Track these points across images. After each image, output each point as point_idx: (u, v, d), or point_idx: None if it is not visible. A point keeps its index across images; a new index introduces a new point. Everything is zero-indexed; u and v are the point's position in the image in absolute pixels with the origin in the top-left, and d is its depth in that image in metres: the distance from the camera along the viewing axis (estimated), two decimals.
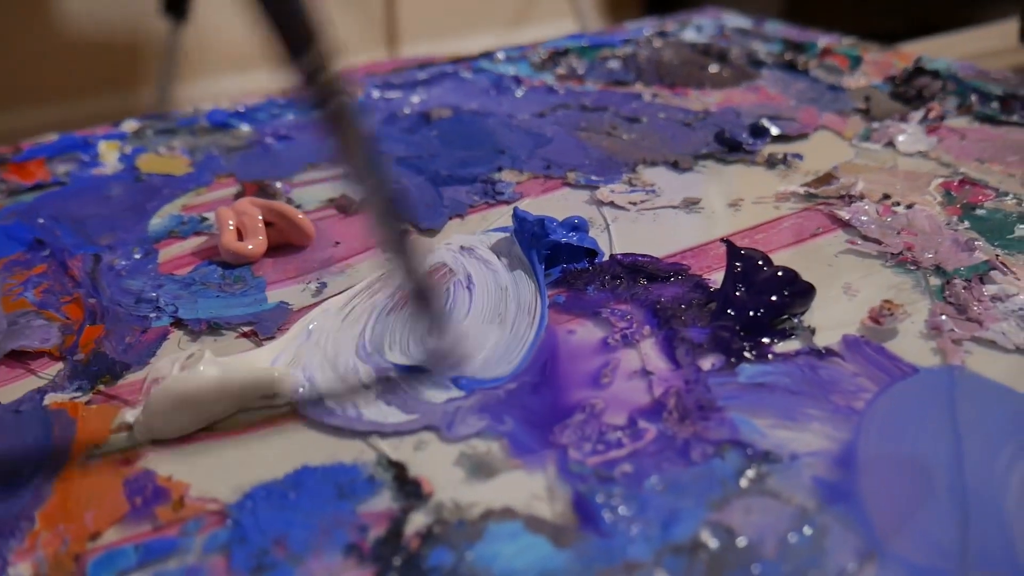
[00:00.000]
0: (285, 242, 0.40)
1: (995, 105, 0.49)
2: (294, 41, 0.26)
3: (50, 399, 0.31)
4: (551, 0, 1.86)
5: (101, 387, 0.32)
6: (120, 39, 1.59)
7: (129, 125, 0.52)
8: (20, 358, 0.34)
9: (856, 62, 0.57)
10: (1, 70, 1.51)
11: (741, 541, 0.24)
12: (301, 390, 0.31)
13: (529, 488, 0.26)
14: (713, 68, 0.60)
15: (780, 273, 0.34)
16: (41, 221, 0.44)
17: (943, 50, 0.65)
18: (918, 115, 0.49)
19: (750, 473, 0.26)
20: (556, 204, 0.44)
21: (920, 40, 0.70)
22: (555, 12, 1.87)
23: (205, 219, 0.43)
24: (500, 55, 0.62)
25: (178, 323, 0.36)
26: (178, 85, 1.50)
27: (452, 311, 0.34)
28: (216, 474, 0.28)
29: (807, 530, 0.24)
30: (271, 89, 0.57)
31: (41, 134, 0.52)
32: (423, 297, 0.30)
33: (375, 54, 1.75)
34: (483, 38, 1.87)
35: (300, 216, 0.40)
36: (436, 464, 0.27)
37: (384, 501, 0.26)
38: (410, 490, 0.26)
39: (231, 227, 0.40)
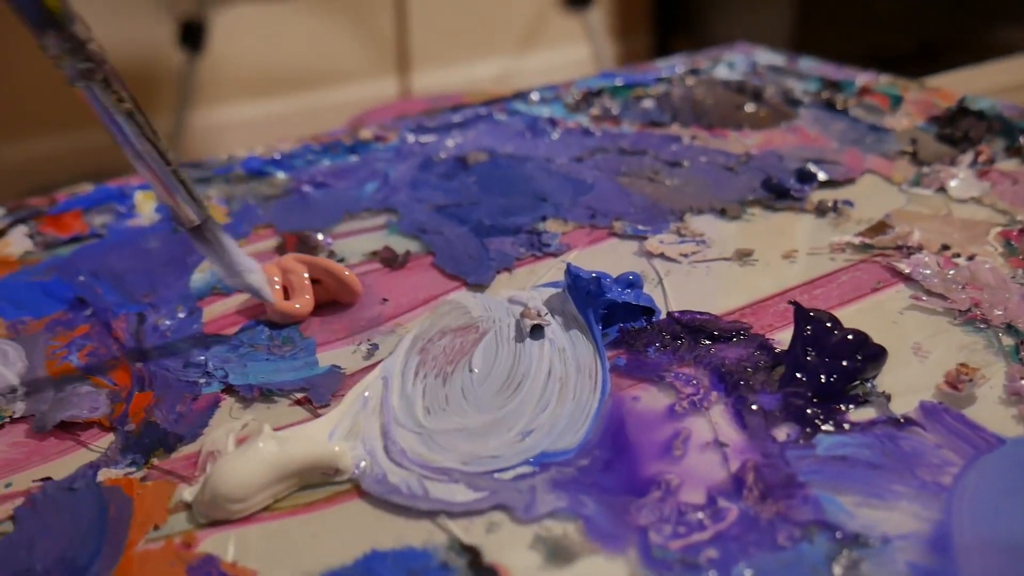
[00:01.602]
0: (332, 299, 0.40)
1: None
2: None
3: (104, 475, 0.31)
4: (560, 23, 1.86)
5: (155, 461, 0.31)
6: (133, 68, 1.59)
7: None
8: (69, 428, 0.33)
9: (897, 101, 0.56)
10: (14, 98, 1.51)
11: None
12: (362, 465, 0.30)
13: (611, 575, 0.25)
14: (749, 107, 0.59)
15: (851, 336, 0.33)
16: (82, 279, 0.43)
17: (975, 81, 0.65)
18: (967, 158, 0.48)
19: (842, 559, 0.25)
20: (605, 256, 0.43)
21: (956, 70, 0.69)
22: (564, 36, 1.88)
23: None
24: (534, 96, 0.61)
25: (228, 389, 0.35)
26: (193, 113, 1.50)
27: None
28: (282, 559, 0.27)
29: None
30: (303, 137, 0.56)
31: (76, 184, 0.51)
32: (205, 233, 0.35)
33: (386, 79, 1.75)
34: (493, 62, 1.87)
35: (347, 273, 0.39)
36: (511, 548, 0.26)
37: None
38: None
39: (277, 286, 0.39)
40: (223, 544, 0.27)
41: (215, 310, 0.40)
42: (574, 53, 1.87)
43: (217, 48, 1.52)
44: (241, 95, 1.66)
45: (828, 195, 0.46)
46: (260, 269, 0.38)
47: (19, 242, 0.47)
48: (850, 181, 0.48)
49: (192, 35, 1.44)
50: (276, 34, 1.63)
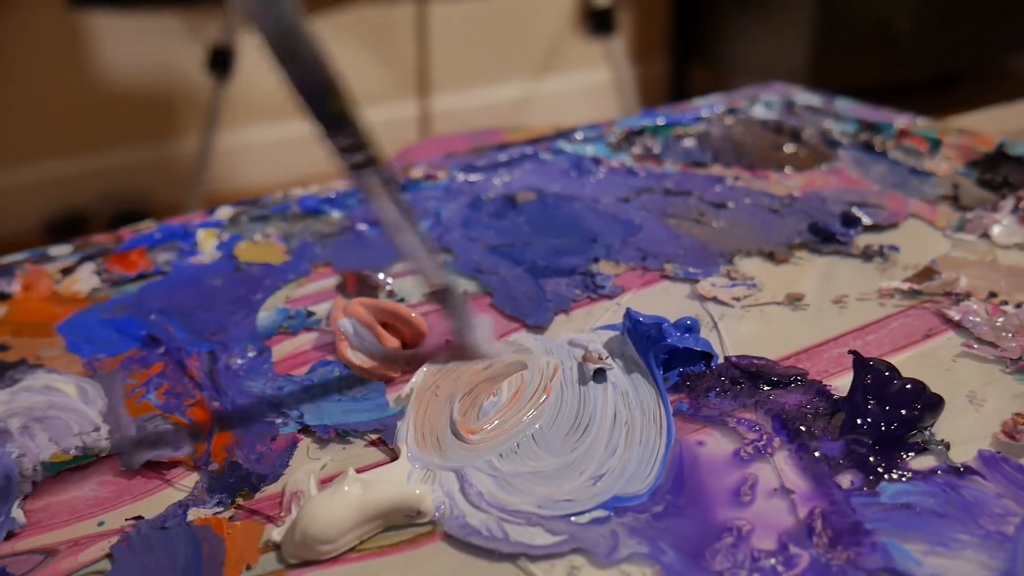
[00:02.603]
0: (400, 340, 0.41)
1: None
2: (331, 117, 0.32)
3: (193, 514, 0.32)
4: (580, 48, 1.88)
5: (240, 501, 0.32)
6: (159, 90, 1.62)
7: (224, 212, 0.53)
8: (155, 467, 0.35)
9: (935, 144, 0.58)
10: (41, 119, 1.54)
11: None
12: (442, 508, 0.31)
13: None
14: (789, 148, 0.61)
15: (909, 386, 0.34)
16: (153, 318, 0.44)
17: (1008, 120, 0.66)
18: (1009, 204, 0.50)
19: None
20: (658, 299, 0.44)
21: (979, 112, 0.70)
22: (584, 60, 1.90)
23: (312, 313, 0.44)
24: (578, 135, 0.63)
25: (304, 429, 0.36)
26: (218, 134, 1.52)
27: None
28: None
29: None
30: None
31: (141, 223, 0.53)
32: (448, 296, 0.38)
33: (407, 102, 1.77)
34: (513, 86, 1.89)
35: (414, 316, 0.41)
36: None
37: None
38: None
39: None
40: None
41: (283, 349, 0.42)
42: (594, 78, 1.89)
43: (243, 70, 1.55)
44: (266, 117, 1.68)
45: (873, 239, 0.48)
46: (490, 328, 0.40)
47: (87, 279, 0.49)
48: (893, 225, 0.49)
49: (221, 61, 1.46)
50: None
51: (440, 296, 0.38)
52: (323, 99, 0.31)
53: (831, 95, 0.67)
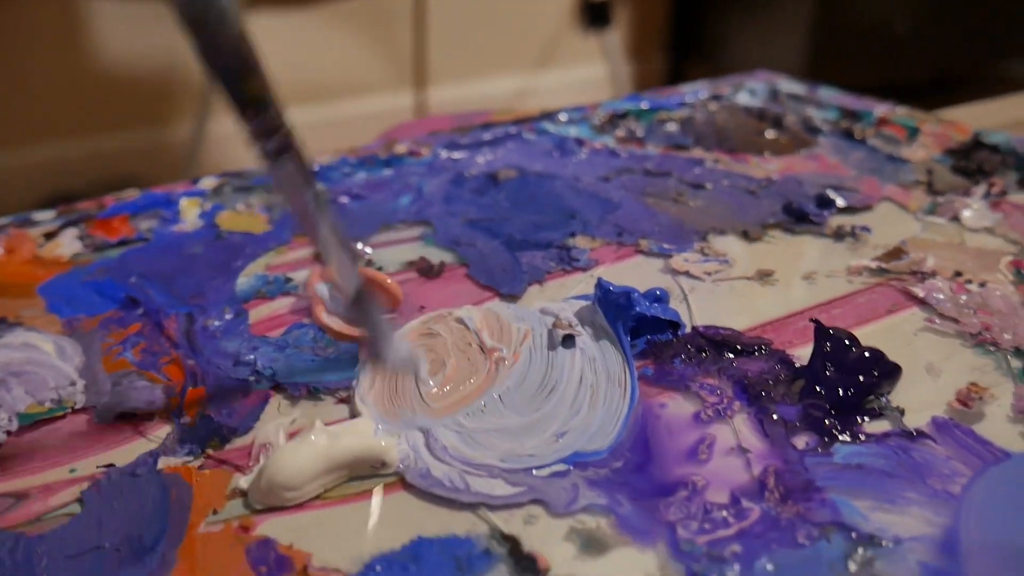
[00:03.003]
0: None
1: None
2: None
3: (163, 463, 0.33)
4: (577, 43, 1.89)
5: (210, 451, 0.33)
6: (152, 74, 1.63)
7: (207, 182, 0.54)
8: (128, 419, 0.35)
9: (913, 133, 0.58)
10: (34, 102, 1.54)
11: None
12: (406, 460, 0.32)
13: (641, 566, 0.27)
14: (770, 134, 0.61)
15: (868, 353, 0.35)
16: (133, 280, 0.45)
17: (989, 115, 0.67)
18: (981, 190, 0.50)
19: (857, 557, 0.27)
20: (632, 272, 0.45)
21: (962, 106, 0.71)
22: (581, 55, 1.91)
23: (290, 279, 0.45)
24: (562, 116, 0.64)
25: (277, 387, 0.37)
26: (212, 121, 1.53)
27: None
28: (335, 543, 0.29)
29: None
30: (339, 150, 0.59)
31: (124, 191, 0.53)
32: (362, 304, 0.34)
33: (403, 93, 1.78)
34: (510, 79, 1.90)
35: (389, 282, 0.41)
36: (548, 538, 0.28)
37: (502, 575, 0.27)
38: (526, 565, 0.27)
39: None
40: (279, 528, 0.29)
41: (260, 312, 0.42)
42: (590, 72, 1.90)
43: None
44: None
45: (846, 221, 0.49)
46: (407, 345, 0.38)
47: (70, 244, 0.49)
48: (867, 208, 0.50)
49: None
50: (295, 45, 1.66)
51: (354, 301, 0.35)
52: (238, 79, 0.29)
53: (815, 84, 0.68)
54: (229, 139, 1.68)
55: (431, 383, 0.36)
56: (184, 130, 1.63)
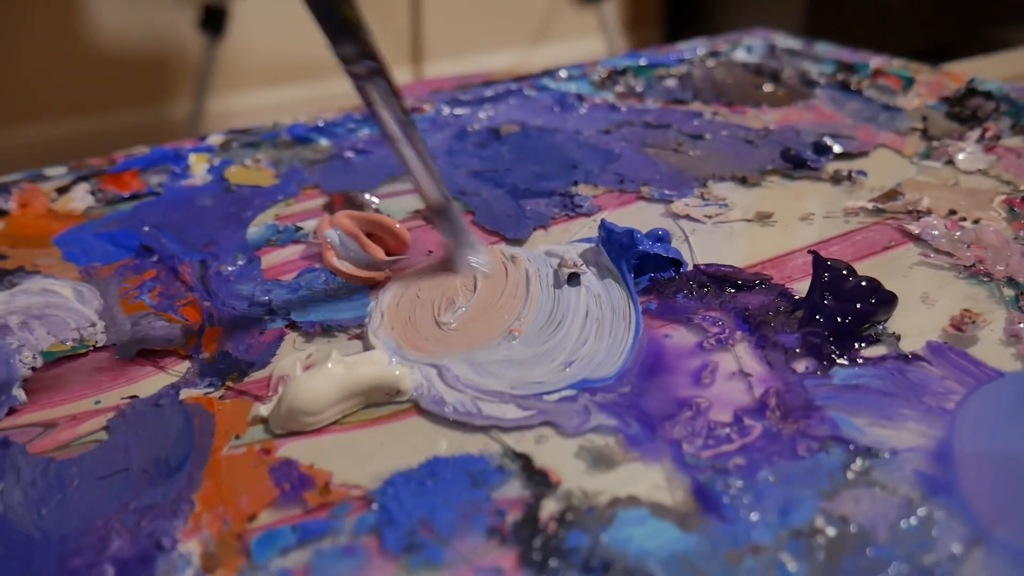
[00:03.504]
0: (384, 250, 0.43)
1: None
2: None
3: (185, 394, 0.34)
4: (573, 17, 1.89)
5: (230, 384, 0.34)
6: (151, 52, 1.63)
7: (215, 139, 0.55)
8: (149, 356, 0.36)
9: (908, 83, 0.59)
10: (33, 82, 1.54)
11: (854, 527, 0.26)
12: (420, 388, 0.33)
13: (649, 478, 0.28)
14: (768, 87, 0.62)
15: (864, 283, 0.36)
16: (147, 229, 0.46)
17: (987, 69, 0.68)
18: (975, 135, 0.51)
19: (855, 466, 0.28)
20: (634, 217, 0.46)
21: (963, 60, 0.72)
22: (577, 29, 1.91)
23: (300, 228, 0.46)
24: (562, 73, 0.64)
25: (291, 325, 0.38)
26: (211, 99, 1.53)
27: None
28: (354, 463, 0.30)
29: (913, 520, 0.26)
30: (344, 107, 0.60)
31: (133, 146, 0.54)
32: (446, 212, 0.39)
33: (400, 69, 1.78)
34: (506, 55, 1.90)
35: (398, 226, 0.42)
36: (558, 456, 0.30)
37: (516, 489, 0.28)
38: (539, 479, 0.29)
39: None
40: (299, 451, 0.30)
41: (272, 259, 0.43)
42: (587, 46, 1.90)
43: (235, 35, 1.55)
44: (258, 82, 1.69)
45: (843, 166, 0.50)
46: (488, 254, 0.41)
47: (82, 198, 0.50)
48: (864, 154, 0.51)
49: (213, 19, 1.46)
50: (293, 22, 1.66)
51: (437, 212, 0.39)
52: (332, 4, 0.32)
53: (811, 39, 0.69)
54: (228, 118, 1.69)
55: (452, 319, 0.37)
56: (182, 108, 1.63)
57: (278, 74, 1.70)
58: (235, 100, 1.68)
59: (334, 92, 1.69)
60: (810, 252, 0.38)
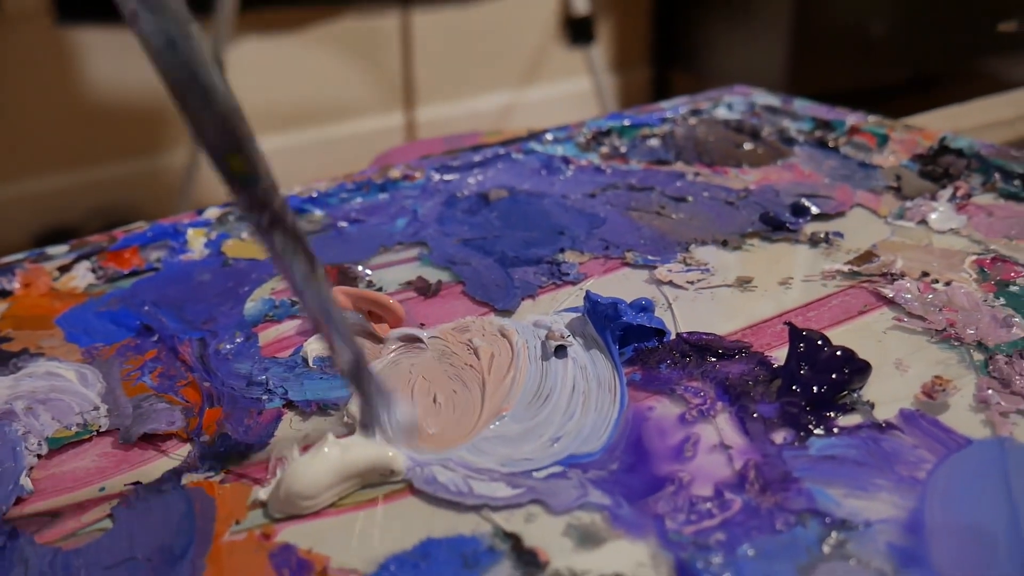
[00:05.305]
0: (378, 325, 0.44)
1: (1017, 183, 0.53)
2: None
3: (187, 478, 0.35)
4: (561, 58, 1.92)
5: (230, 467, 0.35)
6: (147, 104, 1.65)
7: (212, 212, 0.56)
8: (150, 440, 0.38)
9: (883, 140, 0.61)
10: (29, 135, 1.56)
11: None
12: (413, 468, 0.34)
13: (634, 556, 0.30)
14: (748, 146, 0.64)
15: (839, 352, 0.37)
16: (147, 308, 0.47)
17: (957, 119, 0.70)
18: (947, 193, 0.53)
19: (831, 540, 0.29)
20: (619, 284, 0.47)
21: (934, 111, 0.74)
22: (565, 70, 1.94)
23: (296, 302, 0.47)
24: (548, 136, 0.66)
25: (288, 404, 0.39)
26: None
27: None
28: (350, 546, 0.31)
29: None
30: (336, 176, 0.61)
31: (133, 224, 0.56)
32: (357, 375, 0.34)
33: (393, 114, 1.81)
34: (496, 96, 1.93)
35: (391, 301, 0.44)
36: (547, 534, 0.31)
37: (506, 570, 0.29)
38: (528, 559, 0.30)
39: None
40: (298, 534, 0.32)
41: (269, 335, 0.45)
42: (575, 86, 1.93)
43: (232, 84, 1.57)
44: (254, 130, 1.71)
45: (820, 227, 0.51)
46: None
47: (83, 276, 0.52)
48: (840, 214, 0.53)
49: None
50: (286, 70, 1.68)
51: (347, 371, 0.34)
52: (223, 155, 0.29)
53: (790, 97, 0.71)
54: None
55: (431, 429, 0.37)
56: (178, 157, 1.65)
57: (271, 121, 1.72)
58: None
59: (327, 138, 1.73)
60: (786, 324, 0.39)
